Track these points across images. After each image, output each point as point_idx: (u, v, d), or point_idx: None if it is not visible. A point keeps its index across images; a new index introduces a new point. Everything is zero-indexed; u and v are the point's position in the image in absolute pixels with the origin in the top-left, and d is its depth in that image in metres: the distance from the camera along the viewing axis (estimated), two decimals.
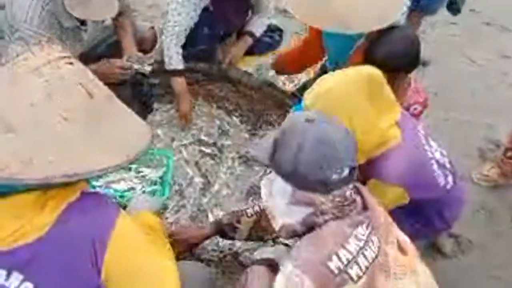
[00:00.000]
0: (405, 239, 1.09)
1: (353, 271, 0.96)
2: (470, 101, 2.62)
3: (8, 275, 0.84)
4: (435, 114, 2.35)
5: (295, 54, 2.20)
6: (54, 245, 0.85)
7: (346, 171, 1.00)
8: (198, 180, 1.96)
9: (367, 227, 1.02)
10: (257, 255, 1.25)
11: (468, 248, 1.92)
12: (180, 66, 2.13)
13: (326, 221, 1.00)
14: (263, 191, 1.08)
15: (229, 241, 1.64)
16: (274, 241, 1.60)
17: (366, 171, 1.32)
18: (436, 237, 1.85)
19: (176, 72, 2.13)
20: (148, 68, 1.90)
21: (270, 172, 1.07)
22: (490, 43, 3.03)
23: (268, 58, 2.50)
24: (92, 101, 0.88)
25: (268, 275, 1.14)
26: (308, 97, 1.31)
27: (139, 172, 1.85)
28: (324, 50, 2.05)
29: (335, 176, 0.99)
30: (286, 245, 1.53)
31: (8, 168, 0.75)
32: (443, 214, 1.54)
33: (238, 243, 1.68)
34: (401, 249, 1.05)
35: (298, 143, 1.00)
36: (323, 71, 2.19)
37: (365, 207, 1.05)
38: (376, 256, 0.99)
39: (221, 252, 1.67)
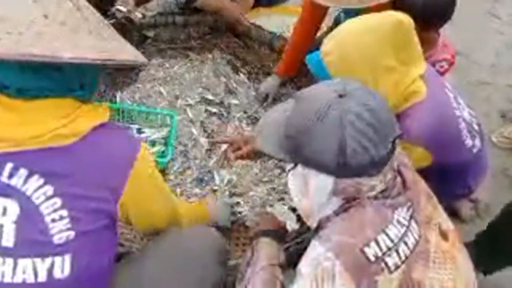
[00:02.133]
0: (447, 222, 0.98)
1: (391, 260, 0.84)
2: (493, 60, 2.47)
3: (28, 177, 0.84)
4: (455, 72, 2.20)
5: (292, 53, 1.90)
6: (84, 157, 0.88)
7: (391, 143, 0.87)
8: (203, 140, 1.86)
9: (407, 210, 0.90)
10: None
11: (486, 213, 1.84)
12: None
13: (363, 202, 0.87)
14: (294, 189, 0.93)
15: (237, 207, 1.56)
16: None
17: None
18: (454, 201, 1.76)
19: None
20: (138, 15, 1.71)
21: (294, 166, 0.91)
22: None
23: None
24: (78, 13, 0.90)
25: (276, 247, 1.04)
26: (326, 44, 1.19)
27: (141, 132, 1.77)
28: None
29: (383, 152, 0.85)
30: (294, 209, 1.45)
31: None
32: (466, 180, 1.46)
33: (245, 208, 1.61)
34: (443, 234, 0.94)
35: (341, 130, 0.81)
36: (337, 24, 2.06)
37: (405, 187, 0.93)
38: (417, 243, 0.88)
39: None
